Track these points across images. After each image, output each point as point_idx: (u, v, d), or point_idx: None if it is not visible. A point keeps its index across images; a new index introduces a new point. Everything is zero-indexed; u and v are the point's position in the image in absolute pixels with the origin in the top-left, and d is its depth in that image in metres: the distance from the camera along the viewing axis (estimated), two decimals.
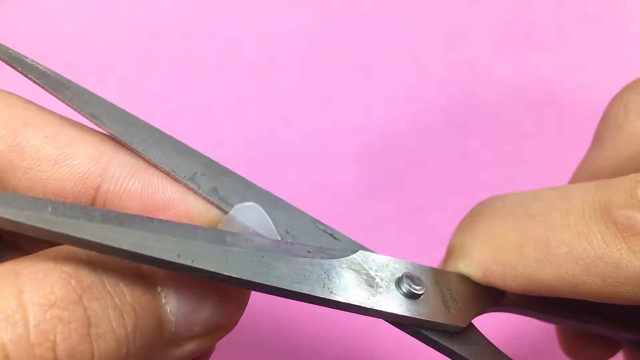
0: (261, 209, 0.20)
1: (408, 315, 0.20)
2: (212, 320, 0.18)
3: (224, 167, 0.21)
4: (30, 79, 0.20)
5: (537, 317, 0.26)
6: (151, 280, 0.17)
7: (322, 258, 0.19)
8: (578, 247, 0.19)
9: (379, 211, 0.43)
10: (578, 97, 0.48)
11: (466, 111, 0.47)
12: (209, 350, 0.22)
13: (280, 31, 0.48)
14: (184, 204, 0.20)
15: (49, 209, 0.14)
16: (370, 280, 0.20)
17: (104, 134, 0.21)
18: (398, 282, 0.20)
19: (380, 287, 0.20)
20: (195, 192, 0.20)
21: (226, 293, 0.18)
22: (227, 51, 0.47)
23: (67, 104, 0.20)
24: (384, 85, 0.47)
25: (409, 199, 0.44)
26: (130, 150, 0.20)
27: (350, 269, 0.20)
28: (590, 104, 0.47)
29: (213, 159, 0.21)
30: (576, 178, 0.27)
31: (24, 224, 0.14)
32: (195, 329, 0.17)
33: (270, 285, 0.17)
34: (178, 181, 0.20)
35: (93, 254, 0.16)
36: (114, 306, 0.15)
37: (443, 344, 0.20)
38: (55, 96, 0.20)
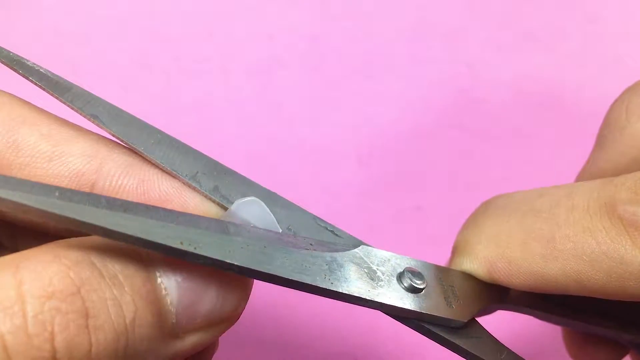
0: (262, 203, 0.20)
1: (409, 308, 0.20)
2: (213, 312, 0.18)
3: (225, 167, 0.21)
4: (31, 81, 0.20)
5: (541, 318, 0.26)
6: (151, 272, 0.17)
7: (324, 251, 0.19)
8: (583, 243, 0.19)
9: (379, 211, 0.43)
10: (578, 97, 0.48)
11: (466, 111, 0.47)
12: (212, 347, 0.22)
13: (280, 31, 0.48)
14: (180, 198, 0.20)
15: (56, 194, 0.14)
16: (372, 274, 0.20)
17: (99, 134, 0.21)
18: (399, 277, 0.20)
19: (382, 280, 0.20)
20: (196, 191, 0.20)
21: (227, 284, 0.18)
22: (227, 51, 0.47)
23: (68, 105, 0.20)
24: (384, 85, 0.47)
25: (409, 199, 0.44)
26: (127, 149, 0.20)
27: (351, 262, 0.20)
28: (590, 104, 0.47)
29: (214, 159, 0.21)
30: (579, 180, 0.27)
31: (32, 207, 0.14)
32: (197, 321, 0.17)
33: (271, 274, 0.17)
34: (179, 180, 0.20)
35: (92, 247, 0.16)
36: (113, 298, 0.15)
37: (445, 337, 0.20)
38: (57, 98, 0.20)
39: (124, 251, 0.16)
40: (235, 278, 0.18)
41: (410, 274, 0.20)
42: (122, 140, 0.20)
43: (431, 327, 0.20)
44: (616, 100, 0.25)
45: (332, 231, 0.22)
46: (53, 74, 0.20)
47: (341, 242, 0.21)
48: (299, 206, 0.22)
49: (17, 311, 0.14)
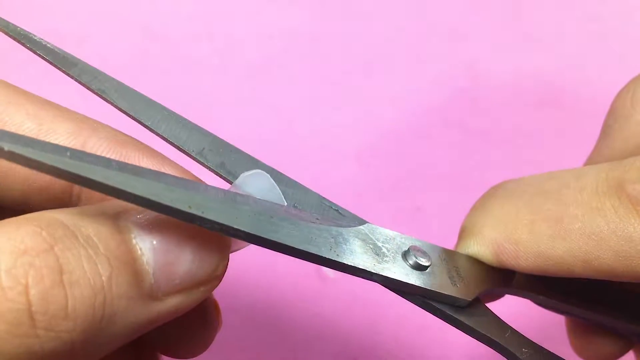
0: (268, 176, 0.20)
1: (413, 283, 0.20)
2: (191, 273, 0.18)
3: (231, 145, 0.21)
4: (39, 55, 0.20)
5: (545, 305, 0.26)
6: (126, 234, 0.17)
7: (330, 225, 0.19)
8: (591, 222, 0.19)
9: (379, 211, 0.43)
10: (578, 97, 0.48)
11: (466, 111, 0.47)
12: (215, 325, 0.23)
13: (280, 31, 0.48)
14: None
15: (68, 154, 0.15)
16: (377, 250, 0.20)
17: (84, 115, 0.21)
18: (404, 255, 0.21)
19: (387, 256, 0.20)
20: (204, 166, 0.21)
21: (205, 246, 0.18)
22: (227, 51, 0.47)
23: (76, 80, 0.20)
24: (384, 85, 0.47)
25: (409, 199, 0.44)
26: (111, 128, 0.21)
27: (357, 237, 0.20)
28: (590, 103, 0.47)
29: (220, 137, 0.21)
30: None
31: (45, 164, 0.14)
32: (176, 282, 0.17)
33: (278, 242, 0.17)
34: (187, 155, 0.20)
35: (65, 212, 0.16)
36: (88, 256, 0.15)
37: (450, 314, 0.21)
38: (64, 72, 0.20)
39: (97, 215, 0.16)
40: (212, 240, 0.18)
41: (415, 252, 0.21)
42: (129, 115, 0.20)
43: (436, 305, 0.21)
44: (621, 90, 0.26)
45: (337, 210, 0.22)
46: (60, 49, 0.20)
47: (346, 220, 0.21)
48: (303, 185, 0.22)
49: None
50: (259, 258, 0.36)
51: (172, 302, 0.18)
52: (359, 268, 0.19)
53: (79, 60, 0.20)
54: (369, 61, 0.48)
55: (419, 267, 0.20)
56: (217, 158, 0.21)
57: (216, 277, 0.18)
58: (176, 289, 0.17)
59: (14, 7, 0.46)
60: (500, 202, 0.23)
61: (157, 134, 0.20)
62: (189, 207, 0.16)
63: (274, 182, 0.20)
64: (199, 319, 0.23)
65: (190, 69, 0.46)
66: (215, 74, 0.46)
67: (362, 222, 0.21)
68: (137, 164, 0.19)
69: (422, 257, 0.20)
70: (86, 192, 0.21)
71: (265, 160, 0.21)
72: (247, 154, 0.21)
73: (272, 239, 0.17)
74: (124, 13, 0.47)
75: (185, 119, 0.21)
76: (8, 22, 0.20)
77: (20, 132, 0.20)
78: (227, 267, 0.19)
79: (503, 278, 0.23)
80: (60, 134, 0.20)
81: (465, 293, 0.21)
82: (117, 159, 0.20)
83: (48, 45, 0.20)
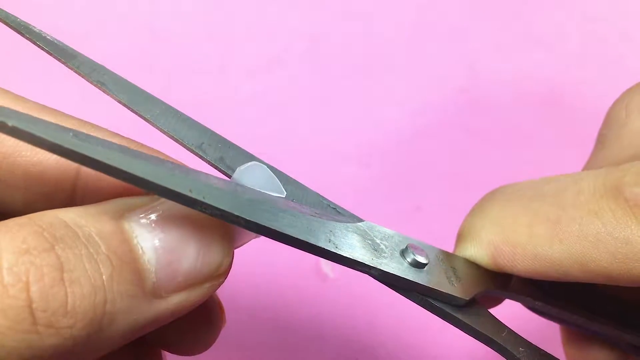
0: (265, 167, 0.20)
1: (411, 280, 0.20)
2: (195, 269, 0.18)
3: (230, 141, 0.22)
4: (38, 46, 0.20)
5: (542, 312, 0.26)
6: (127, 234, 0.17)
7: (329, 220, 0.20)
8: (589, 224, 0.20)
9: (379, 211, 0.43)
10: (578, 97, 0.48)
11: (466, 111, 0.47)
12: (219, 321, 0.23)
13: (280, 31, 0.48)
14: None
15: (71, 134, 0.15)
16: (375, 246, 0.20)
17: (81, 119, 0.21)
18: (402, 252, 0.21)
19: (385, 252, 0.20)
20: (203, 160, 0.21)
21: (208, 243, 0.18)
22: (227, 51, 0.47)
23: (75, 71, 0.20)
24: (384, 85, 0.47)
25: (409, 199, 0.44)
26: (110, 133, 0.21)
27: (355, 233, 0.20)
28: (590, 104, 0.47)
29: (218, 133, 0.21)
30: None
31: (48, 141, 0.14)
32: (178, 279, 0.17)
33: (277, 231, 0.17)
34: (186, 148, 0.21)
35: (66, 212, 0.16)
36: (89, 255, 0.16)
37: (448, 311, 0.21)
38: (64, 63, 0.20)
39: (99, 215, 0.17)
40: (215, 236, 0.18)
41: (413, 250, 0.21)
42: (128, 108, 0.20)
43: (434, 302, 0.21)
44: (616, 101, 0.26)
45: (334, 208, 0.22)
46: (59, 41, 0.20)
47: (344, 218, 0.21)
48: (302, 183, 0.22)
49: None
50: (259, 258, 0.36)
51: (176, 300, 0.18)
52: (357, 261, 0.19)
53: (78, 52, 0.21)
54: (369, 61, 0.48)
55: (417, 265, 0.20)
56: (216, 153, 0.21)
57: (221, 273, 0.18)
58: (180, 286, 0.18)
59: (15, 6, 0.46)
60: (498, 206, 0.23)
61: (156, 127, 0.20)
62: (190, 190, 0.16)
63: (271, 172, 0.20)
64: (203, 317, 0.23)
65: (191, 69, 0.46)
66: (215, 74, 0.46)
67: (360, 220, 0.21)
68: None
69: (420, 255, 0.21)
70: (88, 200, 0.21)
71: (265, 160, 0.21)
72: (245, 151, 0.22)
73: (272, 227, 0.17)
74: (124, 13, 0.47)
75: (184, 115, 0.21)
76: (8, 13, 0.20)
77: (19, 142, 0.19)
78: (231, 264, 0.19)
79: (499, 280, 0.23)
80: None
81: (463, 292, 0.21)
82: None
83: (47, 36, 0.20)
